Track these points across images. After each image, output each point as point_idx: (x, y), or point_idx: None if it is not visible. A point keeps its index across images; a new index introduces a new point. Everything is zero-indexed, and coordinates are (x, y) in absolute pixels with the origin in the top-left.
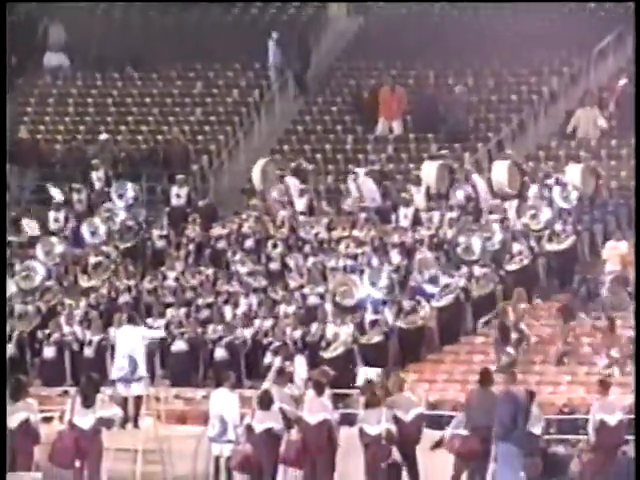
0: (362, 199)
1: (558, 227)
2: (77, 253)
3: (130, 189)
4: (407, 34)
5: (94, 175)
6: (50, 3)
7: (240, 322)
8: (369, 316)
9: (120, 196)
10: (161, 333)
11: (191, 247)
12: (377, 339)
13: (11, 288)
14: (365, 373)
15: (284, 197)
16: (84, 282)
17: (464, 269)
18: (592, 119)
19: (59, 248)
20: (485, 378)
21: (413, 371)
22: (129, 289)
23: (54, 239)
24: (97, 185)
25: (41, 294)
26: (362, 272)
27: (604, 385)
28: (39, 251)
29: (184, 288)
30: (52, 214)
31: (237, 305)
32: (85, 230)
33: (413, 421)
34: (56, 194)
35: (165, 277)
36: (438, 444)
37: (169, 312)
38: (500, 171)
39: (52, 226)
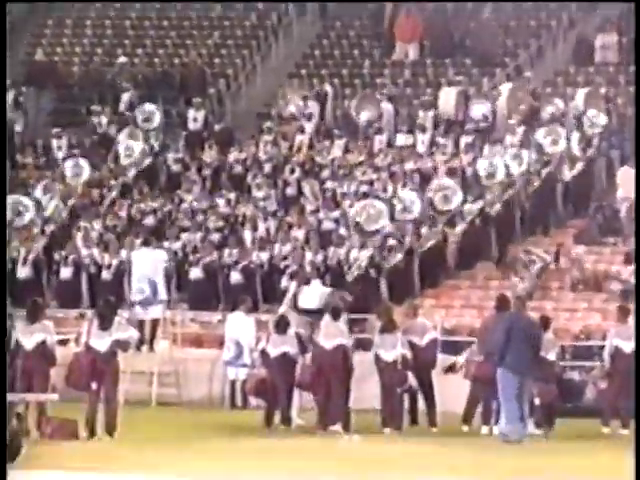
0: (380, 122)
1: (575, 152)
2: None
3: (157, 112)
4: None
5: (124, 97)
6: None
7: (256, 246)
8: (390, 241)
9: (146, 120)
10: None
11: (208, 171)
12: (396, 262)
13: (30, 210)
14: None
15: (300, 115)
16: (101, 204)
17: (487, 196)
18: (611, 44)
19: (87, 170)
20: (502, 304)
21: (430, 296)
22: (153, 211)
23: (83, 161)
24: (122, 107)
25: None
26: (378, 197)
27: (623, 311)
28: (68, 171)
29: (199, 212)
30: (55, 142)
31: (255, 229)
32: (121, 151)
33: (428, 346)
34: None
35: (181, 201)
36: (451, 368)
37: (185, 236)
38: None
39: (56, 154)
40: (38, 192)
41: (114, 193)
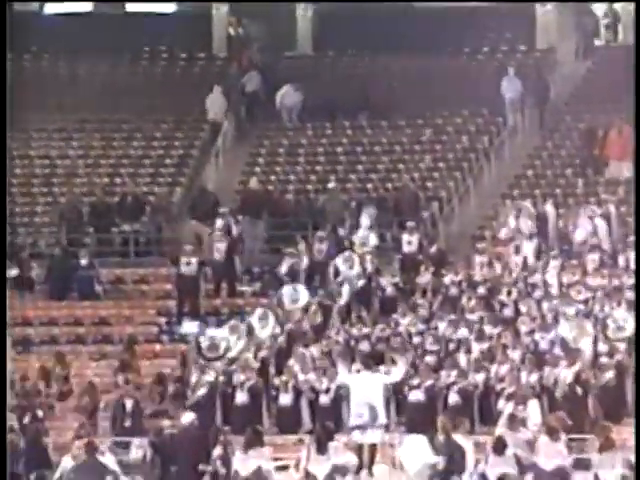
0: (594, 240)
1: None
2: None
3: (374, 236)
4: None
5: (340, 230)
6: None
7: (472, 367)
8: (602, 359)
9: (363, 243)
10: (397, 377)
11: (423, 293)
12: (608, 381)
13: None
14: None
15: (516, 236)
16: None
17: None
18: None
19: (305, 296)
20: None
21: None
22: (366, 336)
23: (301, 287)
24: (342, 233)
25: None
26: (596, 318)
27: None
28: (285, 299)
29: (416, 335)
30: (285, 263)
31: (470, 351)
32: (330, 277)
33: None
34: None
35: (397, 324)
36: None
37: (402, 360)
38: None
39: (282, 270)
40: (254, 319)
41: (330, 318)
